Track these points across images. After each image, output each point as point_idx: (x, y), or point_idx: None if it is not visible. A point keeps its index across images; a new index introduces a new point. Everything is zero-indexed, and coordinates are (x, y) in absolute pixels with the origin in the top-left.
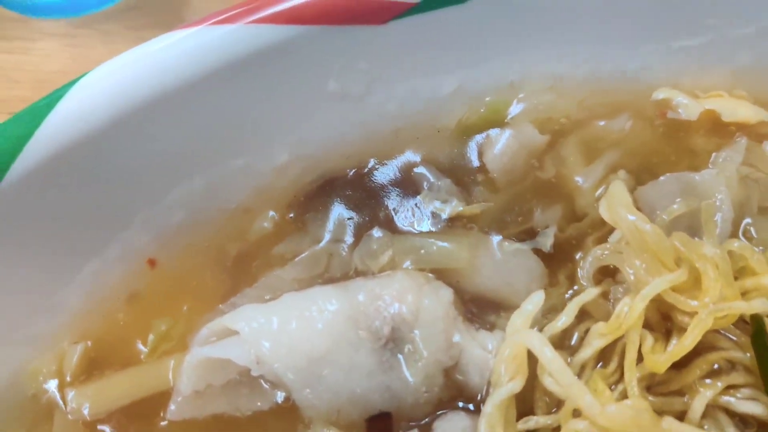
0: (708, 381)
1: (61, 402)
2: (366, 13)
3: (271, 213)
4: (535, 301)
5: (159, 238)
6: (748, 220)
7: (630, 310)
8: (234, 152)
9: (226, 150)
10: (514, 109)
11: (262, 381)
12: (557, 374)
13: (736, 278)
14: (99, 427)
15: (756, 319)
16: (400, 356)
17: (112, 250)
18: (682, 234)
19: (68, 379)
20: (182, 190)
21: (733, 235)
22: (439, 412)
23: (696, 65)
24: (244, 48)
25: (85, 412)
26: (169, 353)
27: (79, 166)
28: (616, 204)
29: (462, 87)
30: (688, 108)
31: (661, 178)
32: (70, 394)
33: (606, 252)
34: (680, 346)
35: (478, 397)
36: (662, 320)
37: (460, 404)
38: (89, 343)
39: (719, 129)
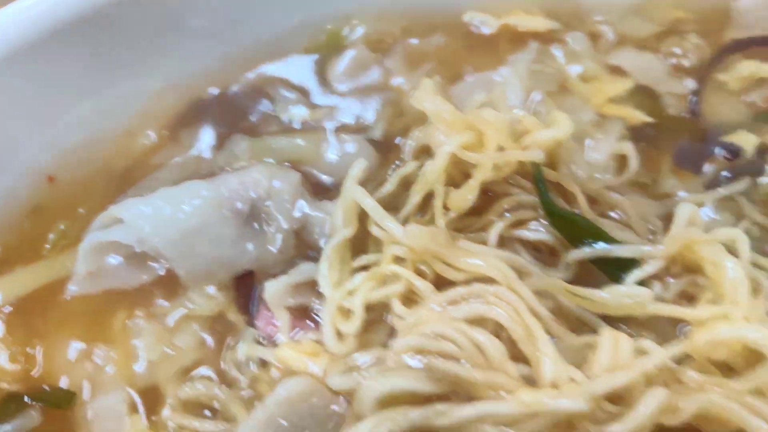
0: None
1: None
2: None
3: (150, 132)
4: (359, 166)
5: (57, 157)
6: (536, 99)
7: (432, 166)
8: (116, 81)
9: (109, 78)
10: (351, 34)
11: (146, 259)
12: (376, 217)
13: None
14: (6, 309)
15: (535, 165)
16: (256, 226)
17: (15, 170)
18: (474, 110)
19: None
20: (75, 114)
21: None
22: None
23: None
24: None
25: None
26: (68, 248)
27: None
28: (422, 95)
29: (307, 19)
30: (490, 24)
31: (468, 78)
32: None
33: (419, 133)
34: (468, 186)
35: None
36: (465, 178)
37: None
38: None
39: (517, 38)
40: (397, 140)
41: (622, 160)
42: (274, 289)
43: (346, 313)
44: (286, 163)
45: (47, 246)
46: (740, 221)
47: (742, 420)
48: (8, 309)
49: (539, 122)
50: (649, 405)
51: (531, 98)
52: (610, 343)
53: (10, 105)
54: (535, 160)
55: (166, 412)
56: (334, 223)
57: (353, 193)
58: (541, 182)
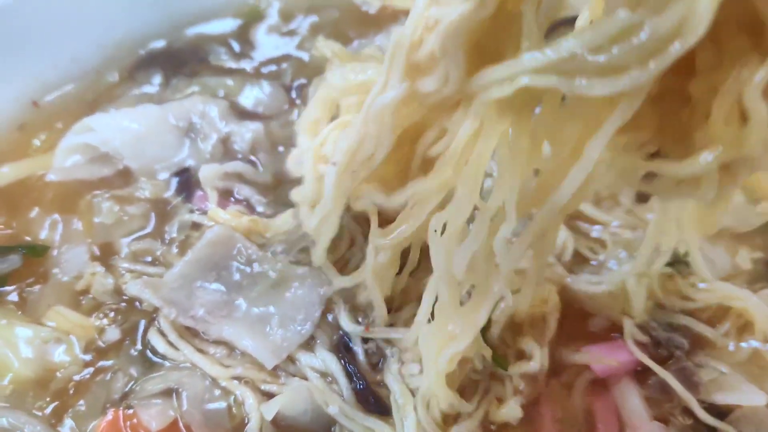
0: None
1: None
2: None
3: (115, 73)
4: None
5: (41, 89)
6: None
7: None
8: (86, 35)
9: (81, 34)
10: (269, 7)
11: (108, 158)
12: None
13: None
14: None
15: None
16: (193, 136)
17: (8, 95)
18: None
19: None
20: (55, 58)
21: None
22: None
23: None
24: None
25: None
26: (48, 150)
27: None
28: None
29: None
30: (374, 4)
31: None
32: None
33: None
34: None
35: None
36: None
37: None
38: None
39: (396, 14)
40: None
41: None
42: (207, 171)
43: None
44: (220, 96)
45: (30, 150)
46: None
47: None
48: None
49: None
50: None
51: None
52: None
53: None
54: None
55: (119, 260)
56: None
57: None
58: None
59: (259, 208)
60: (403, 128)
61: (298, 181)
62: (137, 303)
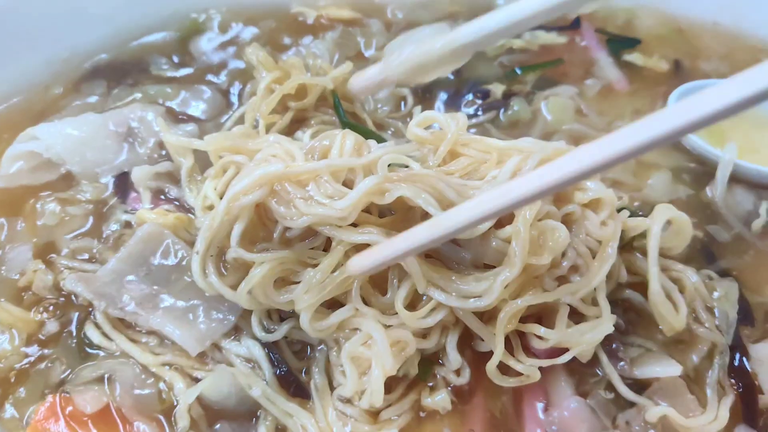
0: None
1: None
2: None
3: (61, 88)
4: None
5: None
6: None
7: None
8: (34, 51)
9: (29, 50)
10: (208, 21)
11: (51, 164)
12: (189, 143)
13: None
14: None
15: (332, 93)
16: (131, 140)
17: None
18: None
19: None
20: (5, 72)
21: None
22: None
23: None
24: None
25: None
26: None
27: None
28: (252, 50)
29: (176, 12)
30: (310, 15)
31: (290, 51)
32: None
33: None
34: (272, 97)
35: None
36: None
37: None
38: None
39: (330, 24)
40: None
41: (401, 100)
42: (139, 173)
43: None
44: (158, 103)
45: None
46: None
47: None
48: None
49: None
50: (363, 185)
51: (334, 60)
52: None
53: None
54: (328, 86)
55: (59, 258)
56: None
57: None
58: (338, 103)
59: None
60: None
61: None
62: (74, 297)
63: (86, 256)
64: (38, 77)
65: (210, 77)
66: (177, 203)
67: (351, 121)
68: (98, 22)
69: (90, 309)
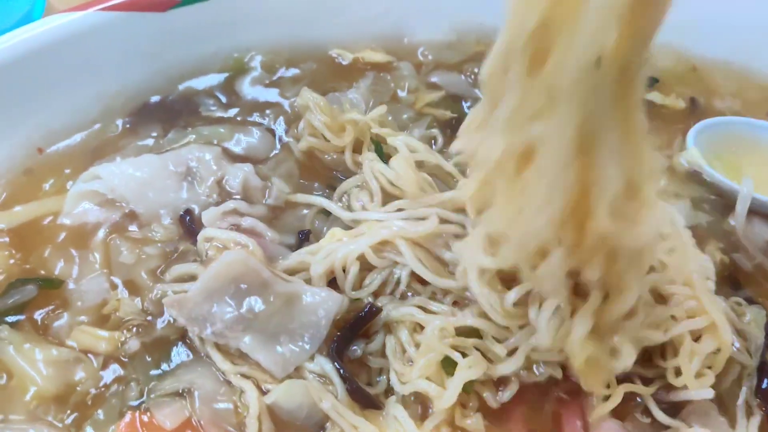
0: None
1: None
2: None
3: (117, 122)
4: None
5: (46, 136)
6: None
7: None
8: (88, 87)
9: (84, 85)
10: (251, 61)
11: (115, 203)
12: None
13: None
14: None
15: (376, 143)
16: (191, 179)
17: (14, 141)
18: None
19: None
20: (58, 107)
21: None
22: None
23: (353, 33)
24: (90, 26)
25: (2, 226)
26: (57, 193)
27: None
28: (307, 99)
29: (219, 50)
30: (346, 57)
31: (328, 95)
32: None
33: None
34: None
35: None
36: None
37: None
38: (4, 194)
39: (364, 67)
40: (284, 130)
41: (431, 140)
42: (209, 215)
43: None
44: (213, 143)
45: (41, 193)
46: None
47: None
48: (7, 238)
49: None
50: None
51: (370, 106)
52: None
53: (9, 98)
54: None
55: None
56: None
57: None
58: (380, 148)
59: (267, 234)
60: None
61: (293, 213)
62: (160, 319)
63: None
64: (90, 113)
65: (256, 116)
66: (252, 232)
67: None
68: (145, 60)
69: (177, 329)
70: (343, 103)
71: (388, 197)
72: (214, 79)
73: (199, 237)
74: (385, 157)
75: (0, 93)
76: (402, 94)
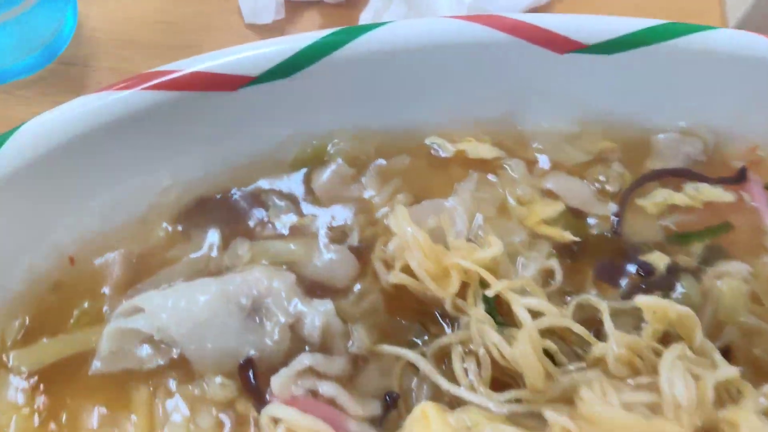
0: None
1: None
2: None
3: (164, 224)
4: None
5: (78, 241)
6: (478, 224)
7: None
8: (131, 176)
9: (126, 174)
10: (331, 149)
11: (161, 343)
12: None
13: None
14: (32, 380)
15: (486, 299)
16: (258, 319)
17: (41, 250)
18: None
19: (9, 344)
20: (94, 204)
21: (467, 236)
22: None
23: (455, 119)
24: (136, 108)
25: (23, 368)
26: (90, 324)
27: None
28: (400, 220)
29: (295, 134)
30: (447, 148)
31: (421, 203)
32: (11, 354)
33: (392, 250)
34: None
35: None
36: None
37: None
38: (27, 319)
39: (466, 163)
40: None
41: (549, 273)
42: (279, 382)
43: None
44: (283, 266)
45: (71, 321)
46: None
47: None
48: (34, 379)
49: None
50: None
51: (474, 222)
52: None
53: (36, 195)
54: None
55: None
56: None
57: None
58: (492, 306)
59: (350, 408)
60: None
61: (377, 365)
62: None
63: None
64: (133, 213)
65: (336, 226)
66: (331, 403)
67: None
68: (205, 147)
69: None
70: (440, 220)
71: (499, 370)
72: (286, 173)
73: (264, 415)
74: (494, 305)
75: (25, 187)
76: (511, 202)
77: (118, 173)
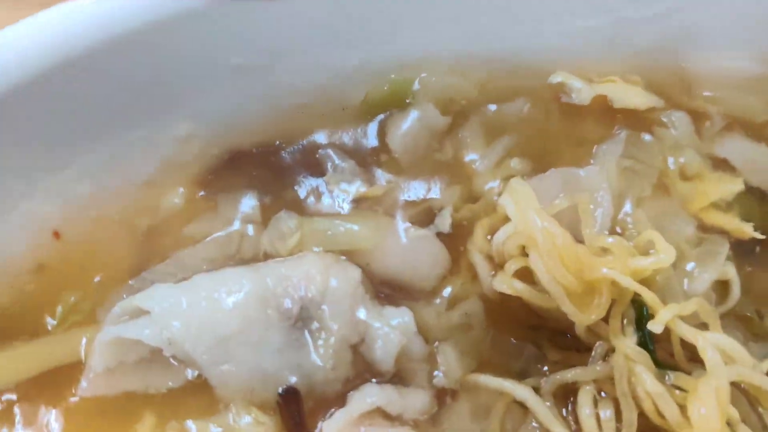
0: None
1: None
2: None
3: (180, 189)
4: None
5: (64, 209)
6: (626, 210)
7: None
8: (137, 121)
9: (128, 119)
10: (417, 88)
11: (172, 359)
12: None
13: None
14: (5, 397)
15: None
16: (308, 334)
17: (14, 219)
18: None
19: None
20: (84, 159)
21: (612, 230)
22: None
23: (594, 48)
24: (145, 15)
25: None
26: (79, 325)
27: None
28: (525, 206)
29: (366, 63)
30: (581, 93)
31: (547, 172)
32: None
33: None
34: None
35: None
36: None
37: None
38: None
39: (608, 115)
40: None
41: (722, 286)
42: (335, 427)
43: None
44: (343, 257)
45: (53, 321)
46: None
47: None
48: (9, 396)
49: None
50: None
51: (621, 206)
52: None
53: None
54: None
55: None
56: None
57: None
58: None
59: None
60: None
61: (470, 400)
62: None
63: None
64: (139, 166)
65: (418, 199)
66: None
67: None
68: (240, 79)
69: None
70: (581, 218)
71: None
72: (352, 121)
73: None
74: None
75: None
76: (673, 173)
77: (118, 116)
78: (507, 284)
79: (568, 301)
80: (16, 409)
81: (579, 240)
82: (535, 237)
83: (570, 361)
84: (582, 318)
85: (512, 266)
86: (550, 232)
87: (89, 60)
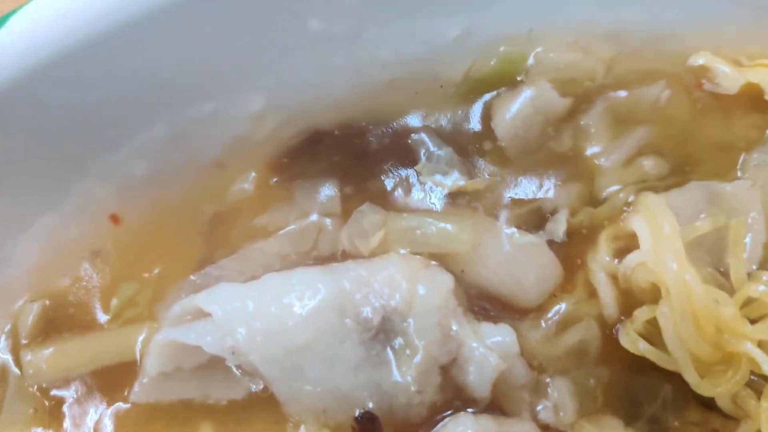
0: None
1: (14, 366)
2: None
3: (252, 173)
4: None
5: (121, 191)
6: None
7: None
8: (201, 95)
9: (191, 92)
10: (531, 63)
11: (238, 368)
12: None
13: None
14: (55, 392)
15: None
16: (390, 349)
17: (68, 202)
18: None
19: (24, 341)
20: (143, 137)
21: (765, 259)
22: (438, 417)
23: (743, 24)
24: None
25: (41, 376)
26: (134, 321)
27: (22, 107)
28: (662, 241)
29: (470, 32)
30: (728, 79)
31: (688, 185)
32: (27, 356)
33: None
34: None
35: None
36: None
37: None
38: (47, 302)
39: (760, 109)
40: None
41: None
42: None
43: None
44: (432, 262)
45: (108, 315)
46: None
47: None
48: (57, 393)
49: None
50: None
51: None
52: None
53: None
54: None
55: None
56: None
57: None
58: None
59: None
60: None
61: None
62: None
63: None
64: (205, 144)
65: (526, 197)
66: None
67: None
68: (318, 49)
69: None
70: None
71: None
72: (451, 102)
73: None
74: None
75: (27, 122)
76: None
77: (178, 90)
78: (632, 344)
79: (692, 369)
80: (65, 409)
81: (718, 267)
82: (668, 285)
83: (711, 425)
84: (706, 389)
85: (641, 315)
86: (689, 286)
87: (148, 26)
